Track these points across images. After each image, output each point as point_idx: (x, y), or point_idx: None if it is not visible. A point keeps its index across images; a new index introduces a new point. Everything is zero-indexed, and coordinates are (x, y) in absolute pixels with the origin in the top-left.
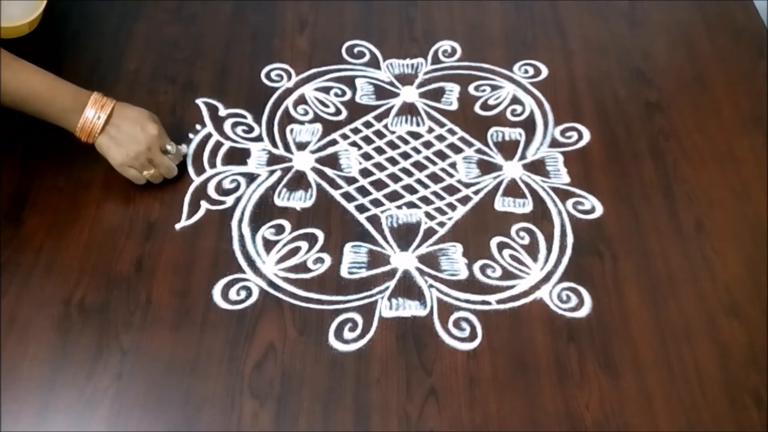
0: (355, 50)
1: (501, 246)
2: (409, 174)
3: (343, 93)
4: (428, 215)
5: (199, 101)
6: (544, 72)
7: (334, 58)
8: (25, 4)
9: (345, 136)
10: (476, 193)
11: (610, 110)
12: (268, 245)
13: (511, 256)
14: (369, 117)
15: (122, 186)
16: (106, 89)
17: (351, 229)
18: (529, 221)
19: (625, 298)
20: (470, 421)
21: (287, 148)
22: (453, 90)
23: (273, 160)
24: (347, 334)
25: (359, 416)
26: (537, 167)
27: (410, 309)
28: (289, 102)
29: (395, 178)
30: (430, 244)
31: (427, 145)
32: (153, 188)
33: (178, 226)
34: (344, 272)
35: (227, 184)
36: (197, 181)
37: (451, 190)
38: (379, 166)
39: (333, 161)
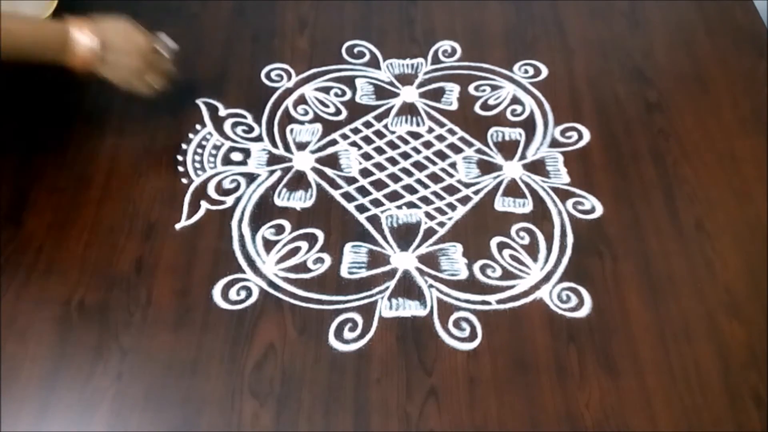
0: (355, 50)
1: (501, 246)
2: (409, 174)
3: (343, 93)
4: (428, 215)
5: (199, 101)
6: (544, 72)
7: (334, 58)
8: (37, 4)
9: (345, 136)
10: (476, 193)
11: (610, 110)
12: (268, 245)
13: (511, 256)
14: (369, 117)
15: (122, 186)
16: (106, 88)
17: (351, 229)
18: (529, 221)
19: (625, 298)
20: (470, 421)
21: (287, 148)
22: (453, 90)
23: (273, 160)
24: (347, 334)
25: (359, 416)
26: (537, 167)
27: (410, 309)
28: (289, 102)
29: (395, 178)
30: (430, 244)
31: (427, 145)
32: (153, 188)
33: (178, 226)
34: (344, 272)
35: (227, 184)
36: (197, 181)
37: (451, 190)
38: (379, 166)
39: (333, 161)
